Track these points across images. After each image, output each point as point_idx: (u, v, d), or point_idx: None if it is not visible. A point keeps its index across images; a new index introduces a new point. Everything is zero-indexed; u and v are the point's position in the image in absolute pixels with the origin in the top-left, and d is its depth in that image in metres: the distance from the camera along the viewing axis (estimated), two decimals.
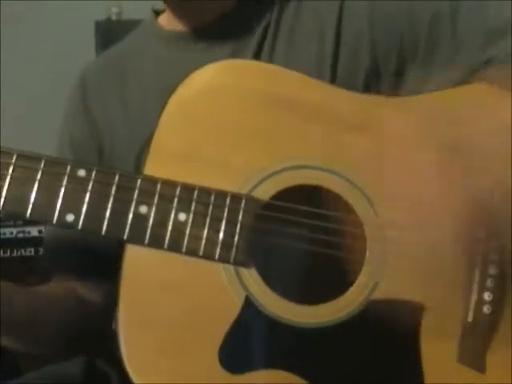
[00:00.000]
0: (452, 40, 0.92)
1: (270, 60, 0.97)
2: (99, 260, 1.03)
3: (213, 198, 0.84)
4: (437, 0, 0.94)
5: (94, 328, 1.06)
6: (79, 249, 1.03)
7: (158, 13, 1.09)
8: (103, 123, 1.06)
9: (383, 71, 0.95)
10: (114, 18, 2.61)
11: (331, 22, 0.96)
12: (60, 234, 1.04)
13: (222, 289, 0.83)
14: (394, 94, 0.94)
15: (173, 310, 0.83)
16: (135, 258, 0.84)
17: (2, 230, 1.95)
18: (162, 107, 0.87)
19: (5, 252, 1.95)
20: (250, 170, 0.86)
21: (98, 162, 1.05)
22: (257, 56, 0.98)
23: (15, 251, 1.95)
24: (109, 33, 2.37)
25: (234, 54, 0.99)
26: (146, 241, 0.83)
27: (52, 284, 1.04)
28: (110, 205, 0.83)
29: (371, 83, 0.95)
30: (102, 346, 1.08)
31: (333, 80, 0.95)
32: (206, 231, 0.83)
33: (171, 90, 0.88)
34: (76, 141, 1.08)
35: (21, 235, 1.96)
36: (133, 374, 0.82)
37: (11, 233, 1.96)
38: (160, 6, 1.07)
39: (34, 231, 1.93)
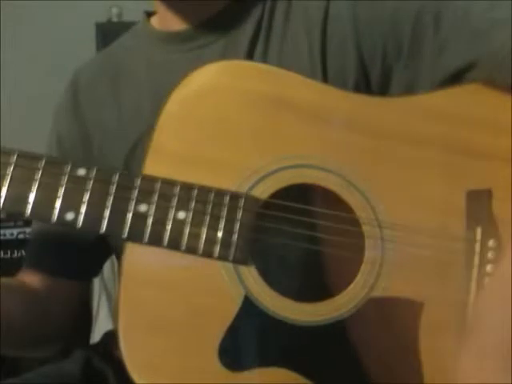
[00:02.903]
0: (436, 40, 0.92)
1: (264, 61, 0.97)
2: (75, 258, 1.05)
3: (212, 196, 0.84)
4: (421, 0, 0.94)
5: (46, 325, 1.05)
6: (57, 245, 1.04)
7: (150, 14, 1.09)
8: (93, 124, 1.07)
9: (370, 72, 0.95)
10: (114, 19, 2.62)
11: (317, 23, 0.96)
12: (42, 230, 1.05)
13: (222, 287, 0.83)
14: (387, 95, 0.95)
15: (172, 308, 0.84)
16: (135, 257, 0.84)
17: (3, 231, 1.96)
18: (161, 107, 0.88)
19: (5, 253, 1.96)
20: (248, 169, 0.86)
21: (86, 162, 1.04)
22: (250, 56, 0.98)
23: (15, 252, 1.96)
24: (109, 34, 2.37)
25: (225, 54, 0.99)
26: (146, 239, 0.83)
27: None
28: (109, 204, 0.83)
29: (361, 84, 0.95)
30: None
31: (325, 80, 0.95)
32: (205, 229, 0.83)
33: (170, 89, 0.88)
34: (63, 140, 1.09)
35: (21, 236, 1.96)
36: (134, 374, 0.82)
37: (12, 234, 1.97)
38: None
39: None
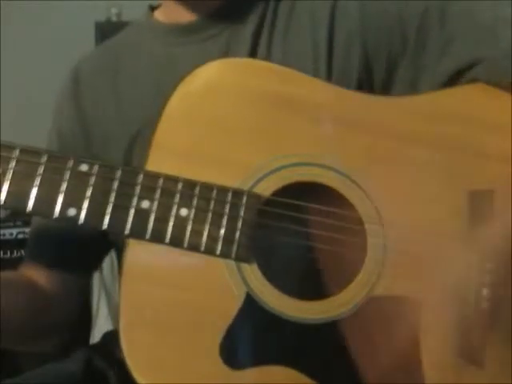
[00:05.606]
0: (441, 37, 0.93)
1: (268, 58, 0.97)
2: (76, 252, 1.04)
3: (214, 193, 0.84)
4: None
5: (46, 319, 1.04)
6: (56, 240, 1.03)
7: (153, 9, 1.09)
8: (94, 117, 1.06)
9: (374, 70, 0.96)
10: (113, 18, 2.61)
11: (324, 21, 0.97)
12: (42, 224, 1.05)
13: (224, 284, 0.83)
14: (388, 94, 0.95)
15: (174, 306, 0.83)
16: (136, 254, 0.84)
17: (2, 231, 1.95)
18: (164, 103, 0.87)
19: (5, 253, 1.95)
20: (251, 167, 0.86)
21: (86, 156, 1.04)
22: (253, 53, 0.98)
23: (15, 252, 1.95)
24: (108, 34, 2.36)
25: (228, 48, 0.99)
26: (148, 236, 0.83)
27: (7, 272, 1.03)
28: (111, 200, 0.83)
29: (364, 82, 0.96)
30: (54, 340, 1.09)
31: (328, 79, 0.95)
32: (207, 227, 0.83)
33: (173, 83, 0.88)
34: (64, 134, 1.08)
35: (21, 236, 1.96)
36: (135, 373, 0.82)
37: (11, 234, 1.96)
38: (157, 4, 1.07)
39: None
